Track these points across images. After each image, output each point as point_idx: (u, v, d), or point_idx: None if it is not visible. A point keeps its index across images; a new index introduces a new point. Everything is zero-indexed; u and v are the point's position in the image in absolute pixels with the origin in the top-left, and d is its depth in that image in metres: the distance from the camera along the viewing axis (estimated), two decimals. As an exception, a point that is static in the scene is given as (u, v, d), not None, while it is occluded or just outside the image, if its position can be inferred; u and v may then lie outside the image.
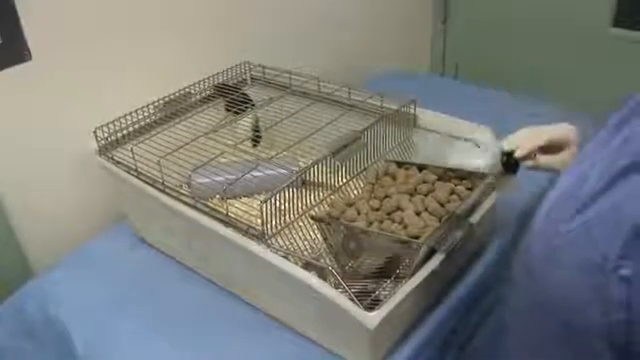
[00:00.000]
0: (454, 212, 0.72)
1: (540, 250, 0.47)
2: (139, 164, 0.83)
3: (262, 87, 1.05)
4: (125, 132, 0.90)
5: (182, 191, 0.82)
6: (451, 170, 0.81)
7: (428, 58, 1.89)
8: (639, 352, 0.40)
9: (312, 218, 0.77)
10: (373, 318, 0.63)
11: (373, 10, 1.54)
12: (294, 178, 0.73)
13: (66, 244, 0.97)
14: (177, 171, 0.80)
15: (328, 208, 0.81)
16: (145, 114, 0.93)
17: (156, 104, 0.95)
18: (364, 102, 0.94)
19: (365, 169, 0.87)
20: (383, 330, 0.65)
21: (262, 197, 0.76)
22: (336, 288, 0.66)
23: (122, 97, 0.94)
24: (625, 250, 0.39)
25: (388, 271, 0.72)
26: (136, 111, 0.92)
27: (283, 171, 0.84)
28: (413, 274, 0.68)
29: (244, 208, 0.78)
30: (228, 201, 0.77)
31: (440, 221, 0.73)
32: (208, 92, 1.01)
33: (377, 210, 0.78)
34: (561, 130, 0.78)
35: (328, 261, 0.77)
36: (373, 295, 0.69)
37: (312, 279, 0.67)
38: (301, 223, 0.78)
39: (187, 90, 0.99)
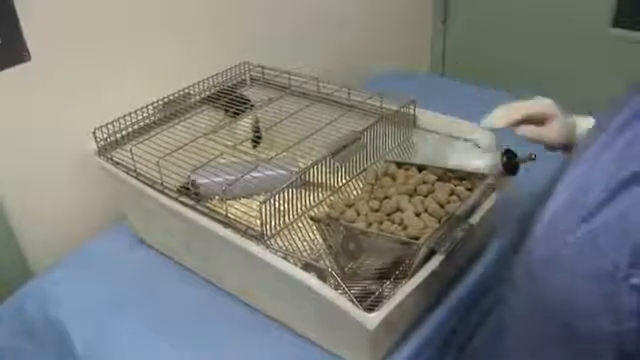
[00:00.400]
0: (454, 213, 0.72)
1: (543, 255, 0.46)
2: (138, 165, 0.83)
3: (261, 88, 1.05)
4: (124, 133, 0.90)
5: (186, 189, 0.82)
6: (451, 171, 0.81)
7: (428, 58, 1.89)
8: None
9: (311, 219, 0.77)
10: (373, 319, 0.63)
11: (373, 10, 1.54)
12: (293, 179, 0.73)
13: (65, 244, 0.97)
14: (176, 172, 0.80)
15: (327, 209, 0.81)
16: (144, 115, 0.93)
17: (155, 105, 0.95)
18: (364, 102, 0.93)
19: (365, 170, 0.87)
20: (383, 331, 0.65)
21: (261, 198, 0.76)
22: (336, 289, 0.66)
23: (121, 98, 0.94)
24: (634, 259, 0.39)
25: (388, 272, 0.72)
26: (135, 112, 0.92)
27: (282, 172, 0.84)
28: (413, 275, 0.68)
29: (243, 209, 0.78)
30: (227, 202, 0.77)
31: (440, 222, 0.73)
32: (207, 93, 1.01)
33: (377, 211, 0.78)
34: (538, 104, 0.78)
35: (328, 262, 0.77)
36: (373, 296, 0.69)
37: (312, 280, 0.66)
38: (300, 224, 0.78)
39: (186, 91, 0.99)
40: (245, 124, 0.97)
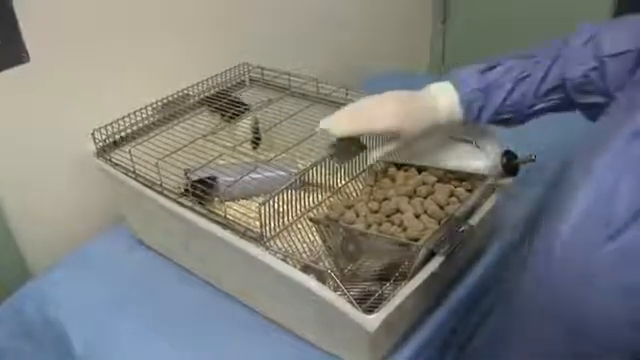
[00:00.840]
0: (453, 214, 0.72)
1: (572, 275, 0.46)
2: (137, 166, 0.82)
3: (261, 89, 1.05)
4: (123, 134, 0.90)
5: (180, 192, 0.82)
6: (451, 172, 0.81)
7: (427, 58, 1.89)
8: None
9: (311, 220, 0.76)
10: (373, 321, 0.63)
11: (372, 10, 1.54)
12: (293, 180, 0.73)
13: (64, 245, 0.97)
14: (175, 173, 0.80)
15: (327, 210, 0.80)
16: (143, 116, 0.92)
17: (154, 106, 0.94)
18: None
19: (364, 171, 0.86)
20: (383, 332, 0.65)
21: (261, 199, 0.76)
22: (335, 291, 0.66)
23: (120, 98, 0.93)
24: None
25: (387, 273, 0.72)
26: (134, 113, 0.91)
27: (282, 173, 0.84)
28: (412, 276, 0.68)
29: (242, 210, 0.78)
30: (226, 203, 0.77)
31: (439, 223, 0.73)
32: (206, 94, 1.01)
33: (376, 212, 0.78)
34: (380, 122, 0.73)
35: (327, 264, 0.76)
36: (372, 298, 0.69)
37: (311, 282, 0.66)
38: (300, 225, 0.78)
39: (185, 92, 0.99)
40: (244, 125, 0.97)
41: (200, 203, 0.77)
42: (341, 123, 0.73)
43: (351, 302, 0.64)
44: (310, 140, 0.82)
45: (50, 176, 0.97)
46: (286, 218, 0.75)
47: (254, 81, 1.08)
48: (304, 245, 0.78)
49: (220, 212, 0.75)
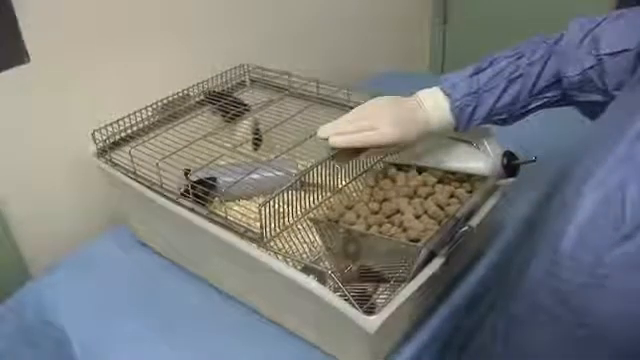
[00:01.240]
0: (454, 215, 0.72)
1: (582, 281, 0.46)
2: (137, 166, 0.82)
3: (261, 89, 1.05)
4: (123, 134, 0.90)
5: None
6: (451, 173, 0.81)
7: (427, 58, 1.89)
8: None
9: (311, 221, 0.76)
10: (373, 322, 0.63)
11: (373, 10, 1.54)
12: (293, 181, 0.73)
13: (64, 245, 0.97)
14: (176, 174, 0.80)
15: (327, 211, 0.80)
16: (143, 116, 0.92)
17: (154, 106, 0.94)
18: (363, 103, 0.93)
19: (364, 172, 0.86)
20: (383, 334, 0.64)
21: (261, 200, 0.76)
22: (335, 292, 0.66)
23: (120, 98, 0.93)
24: None
25: (388, 274, 0.72)
26: (134, 113, 0.91)
27: (282, 174, 0.83)
28: (413, 277, 0.68)
29: (243, 211, 0.78)
30: (227, 203, 0.77)
31: (440, 224, 0.73)
32: (207, 95, 1.01)
33: (376, 213, 0.78)
34: (387, 138, 0.72)
35: (327, 264, 0.76)
36: (372, 299, 0.69)
37: (311, 283, 0.66)
38: (300, 226, 0.78)
39: (186, 92, 0.99)
40: (245, 126, 0.97)
41: (200, 204, 0.77)
42: (338, 136, 0.72)
43: (351, 303, 0.64)
44: (310, 140, 0.82)
45: (50, 176, 0.97)
46: (286, 219, 0.75)
47: (254, 81, 1.08)
48: (304, 246, 0.78)
49: (221, 213, 0.75)
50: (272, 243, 0.72)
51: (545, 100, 0.74)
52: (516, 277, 0.59)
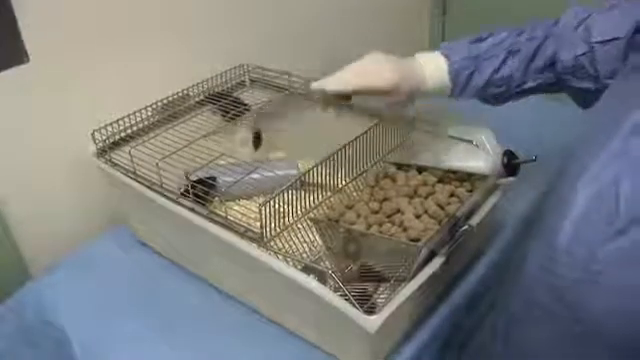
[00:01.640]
0: (454, 215, 0.72)
1: (576, 277, 0.45)
2: (137, 167, 0.82)
3: (261, 89, 1.05)
4: (123, 134, 0.90)
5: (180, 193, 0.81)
6: (451, 172, 0.81)
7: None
8: None
9: (311, 220, 0.76)
10: (373, 321, 0.63)
11: (372, 3, 1.53)
12: (293, 180, 0.73)
13: (64, 245, 0.97)
14: (176, 174, 0.79)
15: (327, 210, 0.80)
16: (143, 116, 0.92)
17: (154, 106, 0.94)
18: (363, 103, 0.93)
19: (365, 171, 0.86)
20: (383, 333, 0.64)
21: (261, 199, 0.76)
22: (336, 291, 0.66)
23: (120, 98, 0.93)
24: None
25: (388, 274, 0.72)
26: (134, 113, 0.91)
27: (282, 173, 0.83)
28: (413, 277, 0.68)
29: (243, 210, 0.78)
30: (227, 203, 0.77)
31: (440, 224, 0.73)
32: (206, 95, 1.01)
33: (377, 213, 0.78)
34: (371, 79, 0.75)
35: (327, 264, 0.76)
36: (373, 298, 0.69)
37: (311, 282, 0.66)
38: (300, 225, 0.78)
39: (186, 92, 0.99)
40: (245, 126, 0.97)
41: (200, 203, 0.77)
42: (341, 79, 0.75)
43: (352, 303, 0.64)
44: (310, 140, 0.82)
45: (50, 176, 0.97)
46: (287, 218, 0.75)
47: (254, 81, 1.08)
48: (304, 245, 0.78)
49: (221, 212, 0.75)
50: (272, 243, 0.72)
51: (539, 81, 0.75)
52: (513, 274, 0.59)
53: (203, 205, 0.77)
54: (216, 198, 0.86)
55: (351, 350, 0.71)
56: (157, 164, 0.79)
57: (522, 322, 0.56)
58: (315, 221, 0.76)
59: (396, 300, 0.65)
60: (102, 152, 0.88)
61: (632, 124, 0.46)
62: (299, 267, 0.71)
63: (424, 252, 0.68)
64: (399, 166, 0.85)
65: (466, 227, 0.72)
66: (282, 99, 0.96)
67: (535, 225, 0.58)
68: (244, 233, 0.72)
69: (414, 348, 0.73)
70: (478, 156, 0.82)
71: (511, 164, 0.81)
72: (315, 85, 0.76)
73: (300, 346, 0.75)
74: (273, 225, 0.72)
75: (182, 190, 0.80)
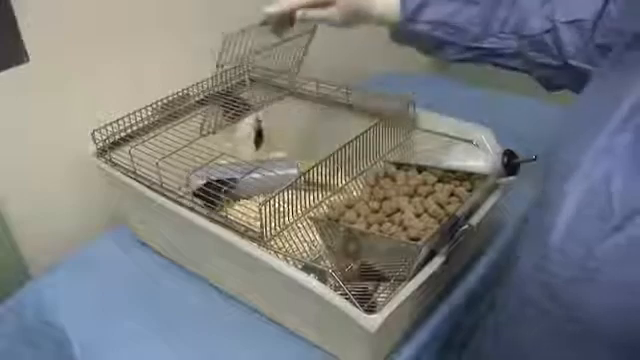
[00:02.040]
0: (454, 214, 0.72)
1: (572, 275, 0.45)
2: (137, 166, 0.82)
3: (261, 89, 1.05)
4: (123, 134, 0.90)
5: (180, 193, 0.81)
6: (451, 171, 0.81)
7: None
8: None
9: (311, 220, 0.76)
10: (374, 321, 0.63)
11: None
12: (293, 180, 0.73)
13: (64, 245, 0.97)
14: (176, 173, 0.79)
15: (328, 210, 0.80)
16: (143, 116, 0.92)
17: (154, 106, 0.94)
18: (363, 103, 0.93)
19: (365, 171, 0.86)
20: (384, 332, 0.64)
21: (261, 199, 0.76)
22: (336, 290, 0.66)
23: (120, 98, 0.93)
24: None
25: (388, 273, 0.72)
26: (134, 113, 0.91)
27: (282, 173, 0.83)
28: (413, 276, 0.68)
29: (243, 210, 0.78)
30: (227, 203, 0.77)
31: (440, 223, 0.73)
32: (206, 94, 1.00)
33: (377, 212, 0.78)
34: None
35: (328, 263, 0.76)
36: (373, 297, 0.69)
37: (312, 282, 0.66)
38: (300, 225, 0.78)
39: (186, 92, 0.99)
40: (246, 125, 0.97)
41: (212, 206, 0.76)
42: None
43: (352, 302, 0.64)
44: (310, 140, 0.82)
45: (50, 176, 0.97)
46: (287, 218, 0.75)
47: (254, 81, 1.08)
48: (305, 245, 0.78)
49: (221, 212, 0.75)
50: (272, 242, 0.72)
51: (498, 47, 0.73)
52: (506, 273, 0.58)
53: (213, 209, 0.76)
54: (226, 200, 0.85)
55: (351, 349, 0.71)
56: (157, 164, 0.79)
57: (515, 321, 0.56)
58: (315, 220, 0.76)
59: (396, 299, 0.65)
60: (102, 152, 0.88)
61: (617, 120, 0.46)
62: (299, 266, 0.71)
63: (424, 251, 0.68)
64: (399, 165, 0.85)
65: (466, 226, 0.72)
66: (282, 98, 0.96)
67: (527, 223, 0.57)
68: (244, 232, 0.72)
69: (414, 347, 0.73)
70: (478, 156, 0.82)
71: (511, 164, 0.81)
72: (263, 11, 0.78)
73: (300, 345, 0.75)
74: (273, 224, 0.72)
75: (192, 192, 0.79)
